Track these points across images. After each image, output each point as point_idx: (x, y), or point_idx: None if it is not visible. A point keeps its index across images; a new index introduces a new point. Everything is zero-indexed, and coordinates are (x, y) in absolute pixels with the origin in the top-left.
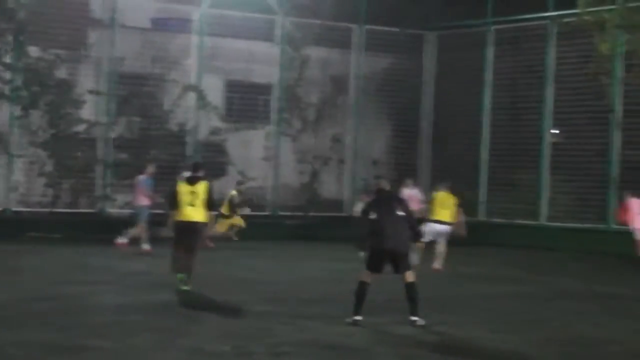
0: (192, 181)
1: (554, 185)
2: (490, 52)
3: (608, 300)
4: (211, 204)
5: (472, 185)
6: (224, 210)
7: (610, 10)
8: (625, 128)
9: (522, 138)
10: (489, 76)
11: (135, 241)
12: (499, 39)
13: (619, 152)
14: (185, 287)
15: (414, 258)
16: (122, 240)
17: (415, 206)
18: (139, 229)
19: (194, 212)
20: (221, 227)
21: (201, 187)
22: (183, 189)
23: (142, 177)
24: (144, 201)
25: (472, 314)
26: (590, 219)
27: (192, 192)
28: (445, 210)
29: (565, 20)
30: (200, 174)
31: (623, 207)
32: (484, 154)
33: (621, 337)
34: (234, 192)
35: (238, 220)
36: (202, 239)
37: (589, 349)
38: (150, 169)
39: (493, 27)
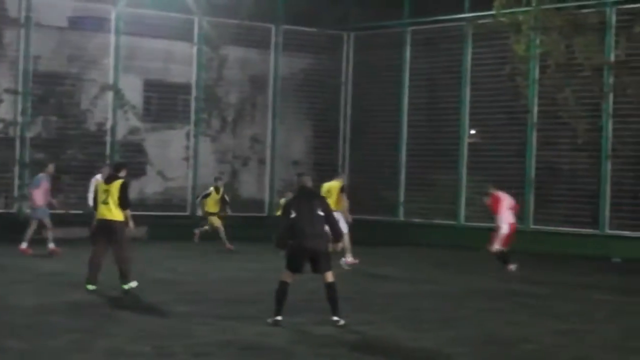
0: (108, 180)
1: (472, 185)
2: (407, 53)
3: (524, 298)
4: (123, 202)
5: (391, 185)
6: (208, 208)
7: (525, 12)
8: (541, 128)
9: (440, 138)
10: (406, 77)
11: (41, 242)
12: (416, 40)
13: (535, 152)
14: (90, 287)
15: (349, 258)
16: (24, 245)
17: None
18: (48, 229)
19: (107, 211)
20: (216, 222)
21: (115, 186)
22: (100, 187)
23: (40, 176)
24: (40, 201)
25: (391, 313)
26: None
27: (106, 191)
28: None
29: (481, 21)
30: (122, 173)
31: (494, 199)
32: (403, 155)
33: (535, 335)
34: (211, 189)
35: (215, 221)
36: (119, 238)
37: (503, 347)
38: (50, 168)
39: (410, 28)
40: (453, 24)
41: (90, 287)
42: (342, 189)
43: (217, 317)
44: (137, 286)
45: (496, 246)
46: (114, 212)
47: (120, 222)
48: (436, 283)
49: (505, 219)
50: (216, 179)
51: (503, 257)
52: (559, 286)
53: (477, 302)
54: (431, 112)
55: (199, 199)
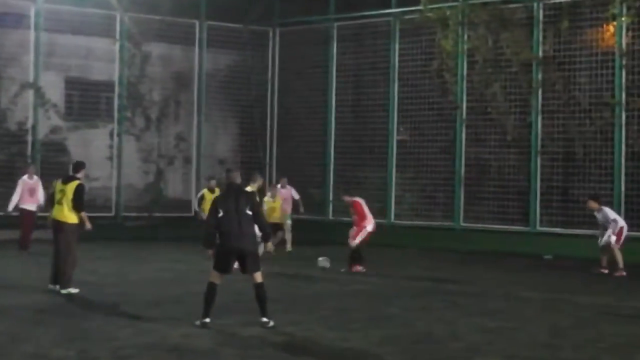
0: (66, 180)
1: (401, 183)
2: (334, 49)
3: (454, 296)
4: (77, 204)
5: (320, 183)
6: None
7: (452, 7)
8: (470, 125)
9: (368, 136)
10: (333, 73)
11: None
12: (342, 36)
13: (464, 149)
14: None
15: (326, 262)
16: None
17: (288, 206)
18: None
19: (59, 211)
20: None
21: (70, 187)
22: (56, 187)
23: None
24: None
25: (320, 313)
26: (438, 216)
27: (62, 191)
28: None
29: (408, 17)
30: (79, 174)
31: (355, 205)
32: (331, 152)
33: (463, 333)
34: (204, 191)
35: None
36: (69, 240)
37: (431, 345)
38: None
39: (336, 24)
40: (380, 20)
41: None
42: (257, 193)
43: (141, 319)
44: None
45: (356, 241)
46: (65, 214)
47: (71, 224)
48: (365, 282)
49: (371, 219)
50: (209, 179)
51: (356, 255)
52: (488, 284)
53: (407, 301)
54: (359, 108)
55: (197, 206)
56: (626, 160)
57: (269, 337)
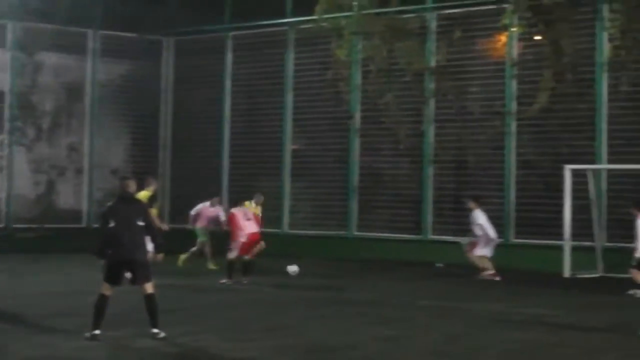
0: None
1: (295, 192)
2: (229, 59)
3: (350, 306)
4: None
5: (214, 193)
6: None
7: (347, 17)
8: (363, 134)
9: (263, 145)
10: (228, 83)
11: None
12: (237, 45)
13: (358, 158)
14: None
15: (294, 269)
16: None
17: (207, 223)
18: None
19: None
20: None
21: None
22: None
23: None
24: None
25: (213, 323)
26: (332, 225)
27: None
28: None
29: (303, 26)
30: None
31: (230, 217)
32: (225, 162)
33: (360, 342)
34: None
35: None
36: None
37: (327, 355)
38: None
39: (231, 33)
40: (275, 29)
41: None
42: (151, 198)
43: (32, 332)
44: None
45: (233, 254)
46: None
47: None
48: (260, 292)
49: (245, 230)
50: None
51: (231, 267)
52: (384, 292)
53: (303, 310)
54: (254, 118)
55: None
56: (517, 168)
57: (161, 348)
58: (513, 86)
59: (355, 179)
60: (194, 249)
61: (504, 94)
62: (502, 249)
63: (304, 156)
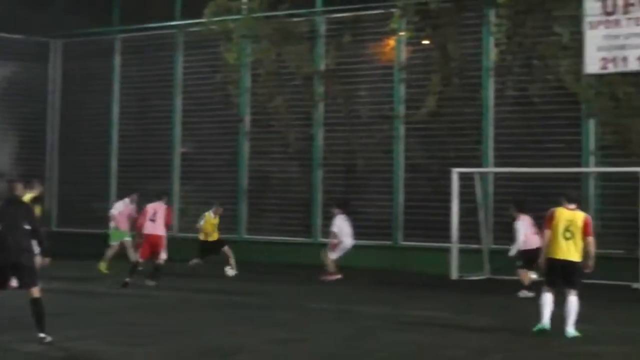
0: None
1: (185, 195)
2: (117, 61)
3: (242, 309)
4: None
5: (102, 197)
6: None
7: (236, 20)
8: (253, 137)
9: (152, 148)
10: (117, 86)
11: None
12: (126, 48)
13: (248, 161)
14: None
15: (232, 272)
16: None
17: (126, 223)
18: None
19: None
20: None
21: None
22: None
23: None
24: None
25: (102, 328)
26: (222, 228)
27: None
28: None
29: (193, 29)
30: None
31: (143, 212)
32: (114, 165)
33: (253, 345)
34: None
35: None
36: None
37: (219, 358)
38: None
39: (120, 36)
40: (164, 32)
41: None
42: (35, 200)
43: None
44: None
45: (136, 256)
46: None
47: None
48: (154, 296)
49: (144, 230)
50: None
51: (133, 270)
52: (276, 295)
53: (196, 314)
54: (143, 121)
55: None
56: (405, 172)
57: (48, 353)
58: (401, 90)
59: (244, 182)
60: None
61: (393, 97)
62: (390, 252)
63: (194, 159)
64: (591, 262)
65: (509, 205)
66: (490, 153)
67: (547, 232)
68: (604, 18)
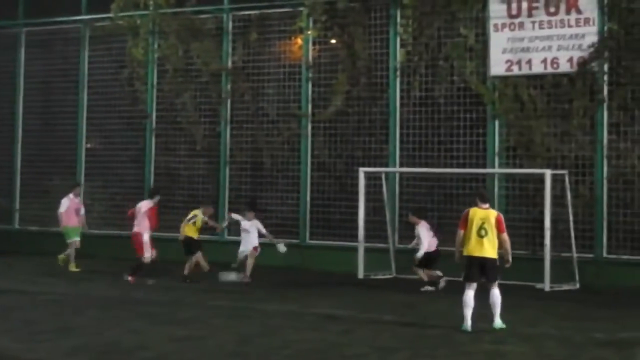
0: None
1: (90, 191)
2: (22, 55)
3: (144, 306)
4: None
5: (6, 192)
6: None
7: (143, 15)
8: (160, 134)
9: (56, 144)
10: (21, 80)
11: None
12: (31, 41)
13: (154, 158)
14: None
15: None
16: None
17: (75, 218)
18: None
19: None
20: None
21: None
22: None
23: None
24: None
25: (4, 325)
26: (127, 225)
27: None
28: None
29: (99, 24)
30: None
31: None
32: (18, 160)
33: (154, 343)
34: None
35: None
36: None
37: (121, 356)
38: None
39: (25, 29)
40: (70, 26)
41: None
42: None
43: None
44: None
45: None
46: None
47: None
48: (53, 293)
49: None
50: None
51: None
52: (177, 293)
53: (98, 311)
54: (47, 116)
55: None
56: (312, 170)
57: None
58: (309, 88)
59: (151, 179)
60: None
61: (300, 96)
62: (297, 250)
63: (99, 155)
64: (509, 257)
65: (416, 205)
66: (397, 153)
67: (461, 232)
68: (508, 21)
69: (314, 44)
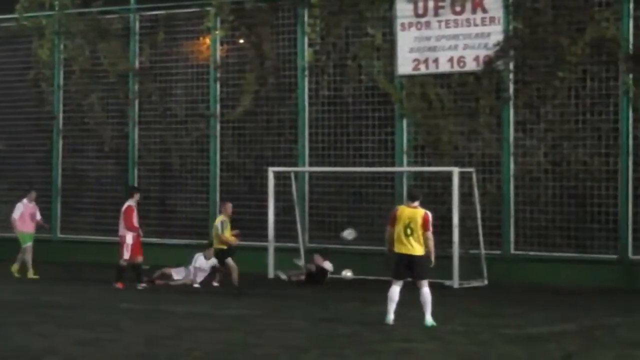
0: None
1: None
2: None
3: (50, 309)
4: None
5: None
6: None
7: (48, 16)
8: (67, 135)
9: None
10: None
11: None
12: None
13: (62, 159)
14: None
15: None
16: None
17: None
18: None
19: None
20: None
21: None
22: None
23: None
24: None
25: None
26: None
27: None
28: None
29: (4, 25)
30: None
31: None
32: None
33: (62, 346)
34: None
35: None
36: None
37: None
38: None
39: None
40: None
41: None
42: None
43: None
44: None
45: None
46: None
47: None
48: None
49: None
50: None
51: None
52: (86, 296)
53: (4, 316)
54: None
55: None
56: (221, 170)
57: None
58: (217, 89)
59: (58, 180)
60: (21, 255)
61: (208, 96)
62: None
63: (6, 157)
64: (433, 257)
65: (325, 204)
66: (306, 152)
67: (390, 229)
68: (415, 20)
69: (221, 44)
